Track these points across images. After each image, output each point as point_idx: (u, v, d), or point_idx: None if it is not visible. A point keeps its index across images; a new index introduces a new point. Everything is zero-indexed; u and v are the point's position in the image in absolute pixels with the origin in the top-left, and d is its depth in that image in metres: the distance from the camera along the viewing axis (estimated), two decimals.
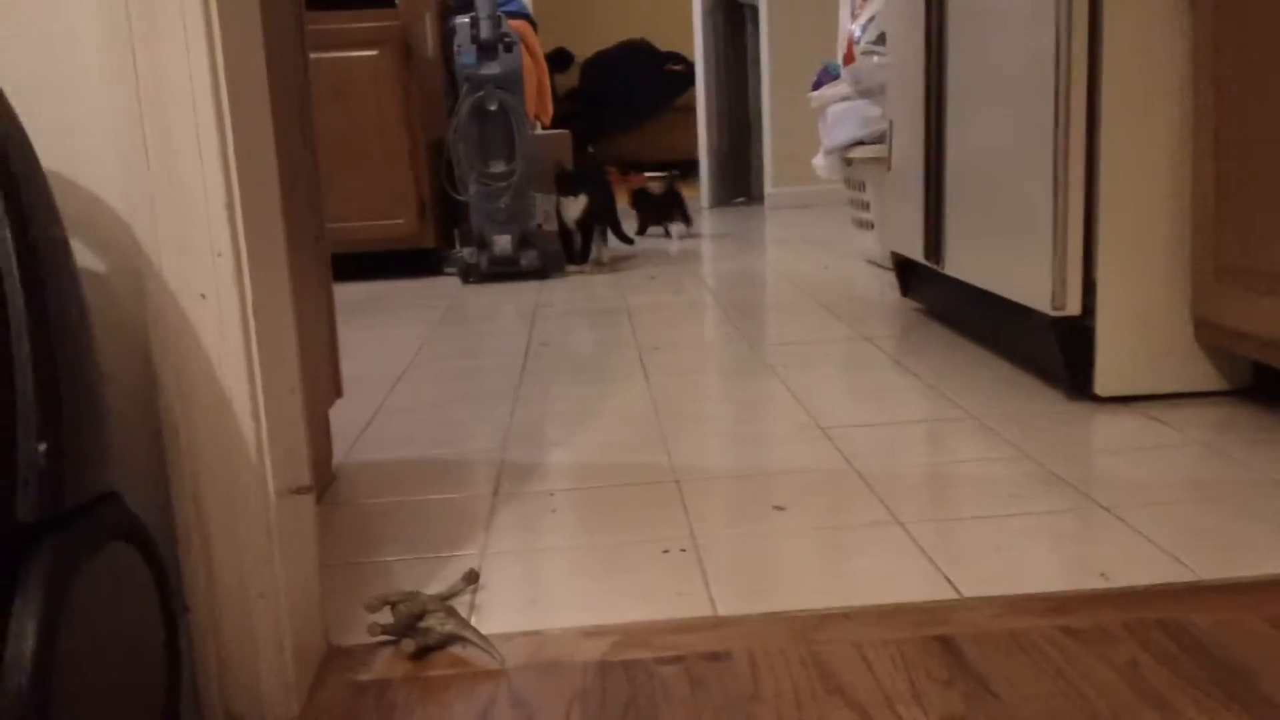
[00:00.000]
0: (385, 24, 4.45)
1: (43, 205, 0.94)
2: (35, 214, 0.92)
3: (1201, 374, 2.22)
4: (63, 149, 1.14)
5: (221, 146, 1.13)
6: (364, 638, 1.39)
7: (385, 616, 1.39)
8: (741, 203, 7.28)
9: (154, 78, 1.12)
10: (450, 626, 1.35)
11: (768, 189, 6.78)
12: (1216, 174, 2.07)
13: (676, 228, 5.73)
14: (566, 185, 4.57)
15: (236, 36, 1.18)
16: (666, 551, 1.62)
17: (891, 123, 3.27)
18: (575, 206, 4.57)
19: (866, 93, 3.78)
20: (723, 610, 1.43)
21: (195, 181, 1.13)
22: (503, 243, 4.44)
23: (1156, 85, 2.12)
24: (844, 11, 4.27)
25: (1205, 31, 2.07)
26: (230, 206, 1.14)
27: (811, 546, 1.62)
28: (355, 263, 4.59)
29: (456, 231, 4.92)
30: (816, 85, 4.42)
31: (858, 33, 3.71)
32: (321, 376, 1.96)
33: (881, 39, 3.54)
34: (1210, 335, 2.15)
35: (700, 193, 7.00)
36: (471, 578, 1.54)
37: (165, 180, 1.13)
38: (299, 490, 1.29)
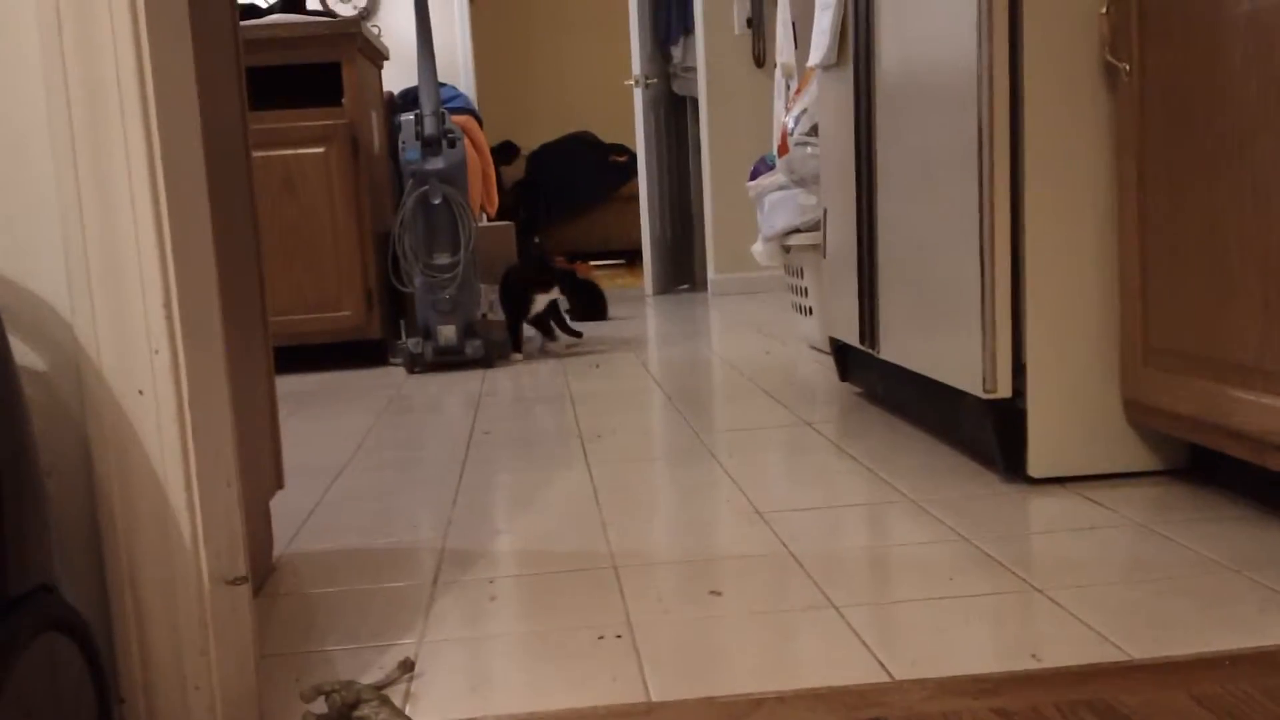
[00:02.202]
0: (332, 122, 4.51)
1: None
2: None
3: (1135, 454, 2.26)
4: (10, 250, 1.16)
5: (160, 246, 1.16)
6: None
7: (320, 706, 1.39)
8: (686, 289, 7.35)
9: (94, 178, 1.14)
10: (384, 716, 1.35)
11: (711, 275, 6.86)
12: (1142, 257, 2.11)
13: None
14: (543, 280, 4.60)
15: (175, 138, 1.20)
16: (602, 638, 1.63)
17: (825, 211, 3.33)
18: (545, 299, 4.63)
19: (801, 182, 3.85)
20: (656, 695, 1.44)
21: (133, 280, 1.15)
22: (447, 333, 4.46)
23: (1080, 172, 2.18)
24: (778, 104, 4.36)
25: (1128, 118, 2.12)
26: (168, 305, 1.16)
27: (747, 631, 1.64)
28: (303, 354, 4.61)
29: (402, 322, 4.94)
30: (754, 175, 4.49)
31: (791, 124, 3.78)
32: (262, 468, 1.97)
33: (814, 130, 3.61)
34: (1141, 416, 2.19)
35: (645, 280, 7.06)
36: (407, 666, 1.54)
37: (105, 279, 1.15)
38: (235, 581, 1.30)
